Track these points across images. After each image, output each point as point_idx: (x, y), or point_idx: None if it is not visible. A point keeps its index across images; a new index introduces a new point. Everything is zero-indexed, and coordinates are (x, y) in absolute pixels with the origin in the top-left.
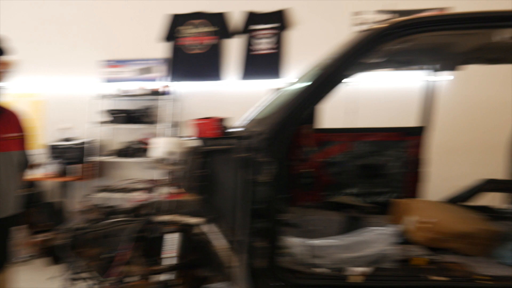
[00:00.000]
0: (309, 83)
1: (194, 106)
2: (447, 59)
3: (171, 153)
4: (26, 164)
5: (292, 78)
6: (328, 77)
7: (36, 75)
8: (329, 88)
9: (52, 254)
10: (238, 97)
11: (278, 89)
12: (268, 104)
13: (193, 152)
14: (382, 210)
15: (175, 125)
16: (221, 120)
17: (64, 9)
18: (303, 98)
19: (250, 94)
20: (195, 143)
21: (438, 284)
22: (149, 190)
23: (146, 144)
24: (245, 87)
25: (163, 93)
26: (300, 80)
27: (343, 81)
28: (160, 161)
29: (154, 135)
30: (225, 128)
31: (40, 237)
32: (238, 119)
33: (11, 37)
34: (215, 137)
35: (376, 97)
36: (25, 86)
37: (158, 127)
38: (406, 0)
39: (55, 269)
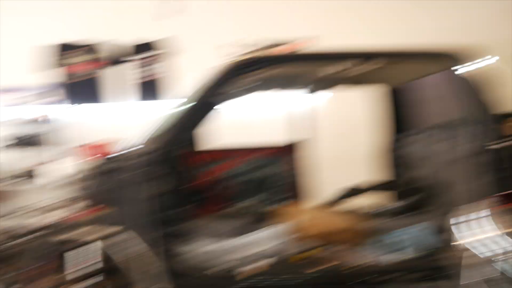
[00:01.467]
0: (188, 108)
1: (85, 129)
2: (311, 83)
3: (75, 173)
4: None
5: (173, 101)
6: (202, 104)
7: None
8: (204, 113)
9: None
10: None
11: (167, 110)
12: (159, 124)
13: (95, 171)
14: (270, 217)
15: (69, 149)
16: (110, 143)
17: None
18: (185, 120)
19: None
20: (97, 163)
21: (312, 276)
22: (55, 209)
23: (41, 168)
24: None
25: (53, 119)
26: (183, 104)
27: (216, 107)
28: (66, 182)
29: (51, 159)
30: (117, 149)
31: None
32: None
33: None
34: (113, 157)
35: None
36: None
37: (53, 151)
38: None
39: None
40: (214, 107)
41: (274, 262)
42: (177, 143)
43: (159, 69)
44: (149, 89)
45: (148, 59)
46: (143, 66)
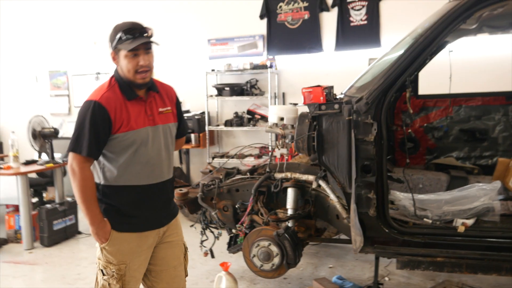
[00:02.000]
0: (406, 52)
1: (293, 78)
2: None
3: (284, 118)
4: (181, 134)
5: (386, 47)
6: (422, 46)
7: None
8: (427, 55)
9: (189, 205)
10: (334, 68)
11: (375, 58)
12: (366, 72)
13: (303, 117)
14: (485, 171)
15: (278, 95)
16: (326, 88)
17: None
18: (402, 65)
19: (345, 65)
20: (305, 109)
21: None
22: (262, 154)
23: (253, 113)
24: (341, 58)
25: (265, 67)
26: (396, 48)
27: (441, 48)
28: (274, 126)
29: (260, 105)
30: (330, 95)
31: (179, 192)
32: (339, 87)
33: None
34: (322, 103)
35: (473, 62)
36: None
37: (263, 98)
38: None
39: (193, 218)
40: (441, 47)
41: (495, 217)
42: (388, 90)
43: (368, 14)
44: (358, 34)
45: (358, 4)
46: (352, 10)
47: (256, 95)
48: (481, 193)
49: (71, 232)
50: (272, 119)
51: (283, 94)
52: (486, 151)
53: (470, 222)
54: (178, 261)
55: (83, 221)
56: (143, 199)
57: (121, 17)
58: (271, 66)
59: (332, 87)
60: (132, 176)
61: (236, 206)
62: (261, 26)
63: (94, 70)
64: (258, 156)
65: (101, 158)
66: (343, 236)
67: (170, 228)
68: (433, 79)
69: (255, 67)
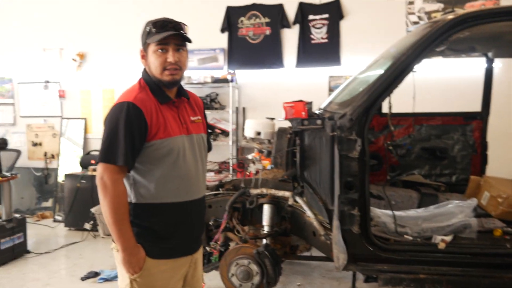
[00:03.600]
0: (387, 71)
1: (254, 92)
2: (505, 46)
3: (261, 133)
4: (210, 147)
5: (346, 66)
6: (403, 65)
7: (106, 65)
8: (404, 75)
9: None
10: (294, 84)
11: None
12: (343, 89)
13: (282, 132)
14: (452, 188)
15: (239, 110)
16: (307, 103)
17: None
18: (384, 83)
19: (306, 81)
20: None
21: None
22: (222, 169)
23: (213, 128)
24: (301, 74)
25: (226, 81)
26: (373, 68)
27: (413, 69)
28: (251, 140)
29: (220, 120)
30: (310, 110)
31: None
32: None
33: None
34: (305, 119)
35: (436, 83)
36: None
37: (223, 112)
38: None
39: None
40: (414, 69)
41: (472, 233)
42: (370, 108)
43: (328, 33)
44: (319, 52)
45: (319, 22)
46: (314, 28)
47: (216, 109)
48: (458, 210)
49: (19, 251)
50: (249, 133)
51: (244, 108)
52: (446, 169)
53: (448, 238)
54: None
55: (33, 239)
56: (181, 218)
57: (71, 24)
58: (232, 80)
59: (311, 103)
60: (170, 192)
61: (210, 223)
62: (222, 40)
63: (43, 78)
64: (218, 172)
65: (131, 172)
66: (314, 253)
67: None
68: (396, 98)
69: (215, 80)
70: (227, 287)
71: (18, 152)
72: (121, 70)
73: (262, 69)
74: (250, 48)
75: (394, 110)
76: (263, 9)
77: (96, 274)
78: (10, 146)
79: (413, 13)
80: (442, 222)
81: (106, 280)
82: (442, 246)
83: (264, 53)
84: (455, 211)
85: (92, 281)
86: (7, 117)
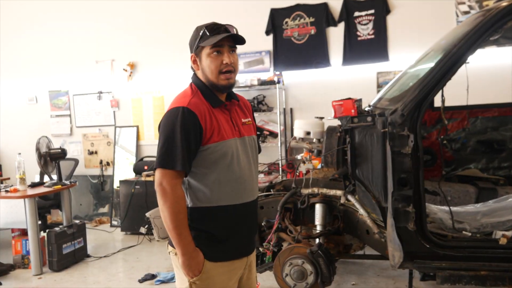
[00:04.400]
0: (439, 64)
1: (300, 93)
2: None
3: (310, 132)
4: (260, 148)
5: (394, 61)
6: (456, 57)
7: (155, 73)
8: (457, 67)
9: None
10: (342, 82)
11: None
12: (393, 85)
13: (331, 130)
14: (510, 182)
15: (286, 111)
16: (356, 100)
17: (175, 10)
18: (436, 76)
19: (353, 79)
20: (335, 122)
21: None
22: (272, 170)
23: (261, 130)
24: (348, 72)
25: (272, 83)
26: (423, 61)
27: (467, 60)
28: (300, 140)
29: (268, 121)
30: (360, 107)
31: None
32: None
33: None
34: (355, 116)
35: (488, 73)
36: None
37: (271, 114)
38: None
39: None
40: (467, 60)
41: None
42: (422, 102)
43: (375, 28)
44: (365, 49)
45: (365, 18)
46: (359, 24)
47: (263, 111)
48: None
49: (80, 255)
50: (298, 133)
51: (291, 109)
52: (504, 162)
53: (510, 233)
54: None
55: (92, 243)
56: (237, 220)
57: (122, 36)
58: (278, 82)
59: (361, 100)
60: (226, 194)
61: (262, 224)
62: (267, 42)
63: (96, 89)
64: (268, 173)
65: (186, 177)
66: (367, 252)
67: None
68: (448, 91)
69: (262, 83)
70: (281, 287)
71: (76, 161)
72: (170, 77)
73: (308, 69)
74: (296, 48)
75: (447, 104)
76: (308, 9)
77: (153, 277)
78: (68, 156)
79: (463, 3)
80: (503, 216)
81: (162, 282)
82: (503, 241)
83: (310, 53)
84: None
85: (149, 283)
86: (65, 127)
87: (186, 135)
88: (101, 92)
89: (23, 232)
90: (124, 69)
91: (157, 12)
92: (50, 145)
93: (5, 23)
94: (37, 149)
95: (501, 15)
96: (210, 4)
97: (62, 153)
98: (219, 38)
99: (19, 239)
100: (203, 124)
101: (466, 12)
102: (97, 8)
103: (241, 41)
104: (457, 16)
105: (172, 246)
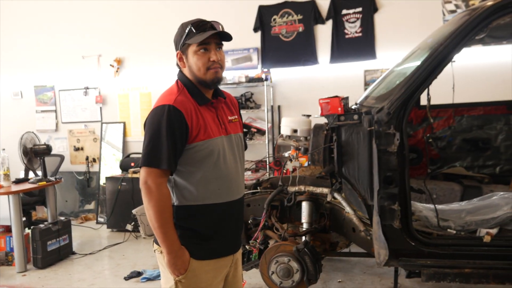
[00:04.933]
0: (425, 62)
1: (288, 90)
2: None
3: (297, 130)
4: (246, 146)
5: (382, 59)
6: (442, 56)
7: (143, 69)
8: (443, 66)
9: None
10: (329, 80)
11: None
12: (379, 83)
13: (318, 128)
14: (496, 180)
15: (274, 108)
16: (343, 98)
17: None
18: (422, 75)
19: (341, 77)
20: (322, 120)
21: None
22: (259, 168)
23: (249, 127)
24: (336, 70)
25: (260, 80)
26: (409, 60)
27: (452, 59)
28: (287, 138)
29: (256, 119)
30: (347, 106)
31: None
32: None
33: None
34: (341, 114)
35: (474, 72)
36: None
37: (259, 111)
38: None
39: None
40: (453, 59)
41: None
42: (409, 100)
43: (362, 26)
44: (353, 47)
45: (352, 16)
46: (346, 22)
47: (251, 108)
48: (503, 202)
49: (65, 252)
50: (285, 131)
51: (279, 107)
52: (489, 160)
53: (494, 231)
54: None
55: (77, 240)
56: (223, 218)
57: (108, 31)
58: (266, 79)
59: (347, 98)
60: (212, 193)
61: (249, 222)
62: (255, 39)
63: (83, 84)
64: (255, 170)
65: (172, 175)
66: (353, 249)
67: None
68: (434, 89)
69: (250, 80)
70: (267, 284)
71: (62, 157)
72: (157, 74)
73: (296, 66)
74: (284, 46)
75: (433, 102)
76: (296, 6)
77: (138, 274)
78: (53, 152)
79: (449, 2)
80: (487, 214)
81: (148, 279)
82: (487, 239)
83: (297, 50)
84: (500, 203)
85: (135, 281)
86: (50, 123)
87: (172, 133)
88: (87, 88)
89: (7, 229)
90: (111, 65)
91: (144, 8)
92: (36, 140)
93: None
94: (22, 145)
95: (487, 14)
96: (198, 0)
97: (47, 149)
98: (206, 36)
99: (3, 236)
100: (189, 122)
101: (452, 11)
102: (84, 3)
103: (228, 37)
104: (444, 15)
105: (158, 244)
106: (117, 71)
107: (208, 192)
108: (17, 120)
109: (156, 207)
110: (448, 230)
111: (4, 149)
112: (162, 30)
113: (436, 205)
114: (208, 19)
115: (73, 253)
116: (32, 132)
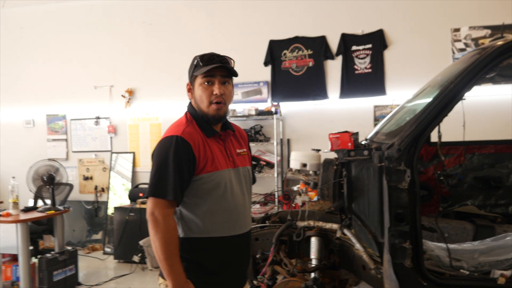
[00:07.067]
0: (436, 100)
1: (298, 124)
2: None
3: (307, 164)
4: (254, 179)
5: (391, 95)
6: (452, 93)
7: (153, 100)
8: (453, 103)
9: None
10: (339, 115)
11: (380, 106)
12: (389, 119)
13: (328, 163)
14: (509, 220)
15: (283, 142)
16: (353, 134)
17: (175, 38)
18: (433, 112)
19: (350, 112)
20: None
21: None
22: (268, 201)
23: (258, 160)
24: (346, 105)
25: (270, 113)
26: (420, 96)
27: (463, 96)
28: (297, 172)
29: (265, 151)
30: (357, 141)
31: None
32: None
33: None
34: (351, 149)
35: (486, 109)
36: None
37: (268, 144)
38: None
39: None
40: (464, 97)
41: None
42: (419, 137)
43: (372, 63)
44: (363, 83)
45: (361, 52)
46: (357, 58)
47: (261, 141)
48: None
49: (71, 283)
50: (294, 165)
51: (288, 140)
52: (501, 199)
53: (508, 273)
54: None
55: (83, 271)
56: (229, 252)
57: (121, 62)
58: (276, 112)
59: (357, 133)
60: (218, 225)
61: (257, 256)
62: (266, 73)
63: (94, 114)
64: (264, 203)
65: (179, 206)
66: (363, 287)
67: None
68: (444, 127)
69: (260, 113)
70: None
71: (71, 186)
72: (168, 105)
73: (305, 100)
74: (294, 80)
75: (443, 139)
76: (306, 42)
77: None
78: (62, 180)
79: (459, 40)
80: (501, 255)
81: None
82: (502, 281)
83: (307, 85)
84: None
85: None
86: (61, 152)
87: (179, 164)
88: (98, 118)
89: (14, 258)
90: (122, 95)
91: (157, 41)
92: (48, 169)
93: (4, 49)
94: (31, 173)
95: (497, 53)
96: (211, 34)
97: (49, 180)
98: (209, 68)
99: (9, 265)
100: (196, 154)
101: (462, 50)
102: (97, 35)
103: (233, 73)
104: (453, 53)
105: (163, 277)
106: (128, 102)
107: (214, 225)
108: (29, 148)
109: (162, 239)
110: (461, 270)
111: (14, 177)
112: (173, 62)
113: (448, 244)
114: (221, 53)
115: (79, 284)
116: (45, 160)
